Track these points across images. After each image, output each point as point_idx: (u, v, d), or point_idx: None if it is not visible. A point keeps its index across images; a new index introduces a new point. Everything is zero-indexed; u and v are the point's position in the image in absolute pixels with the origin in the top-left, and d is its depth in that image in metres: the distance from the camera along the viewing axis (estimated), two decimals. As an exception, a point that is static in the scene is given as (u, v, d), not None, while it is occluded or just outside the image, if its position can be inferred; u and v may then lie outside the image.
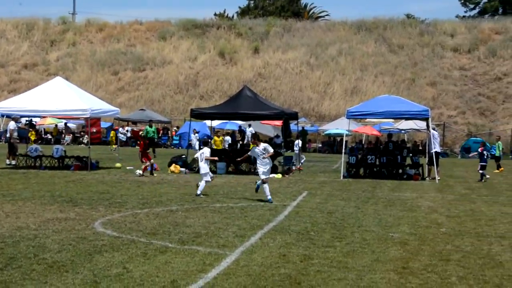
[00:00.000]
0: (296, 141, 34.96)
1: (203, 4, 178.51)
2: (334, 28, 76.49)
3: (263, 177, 18.28)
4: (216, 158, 23.40)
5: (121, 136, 46.18)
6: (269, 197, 18.06)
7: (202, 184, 19.27)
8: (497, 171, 34.26)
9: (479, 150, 29.27)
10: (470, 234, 13.36)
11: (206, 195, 19.18)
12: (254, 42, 74.76)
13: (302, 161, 33.13)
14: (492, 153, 35.22)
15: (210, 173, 19.89)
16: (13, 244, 11.07)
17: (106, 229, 12.93)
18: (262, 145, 18.70)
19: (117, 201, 17.42)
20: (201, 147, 21.79)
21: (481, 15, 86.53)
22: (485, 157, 28.48)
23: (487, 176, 27.86)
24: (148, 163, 26.51)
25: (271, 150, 18.78)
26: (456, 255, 11.11)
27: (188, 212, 15.64)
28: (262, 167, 18.34)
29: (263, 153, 18.36)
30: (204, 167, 19.52)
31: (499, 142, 36.71)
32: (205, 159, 19.58)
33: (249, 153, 19.80)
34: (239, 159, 22.71)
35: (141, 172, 25.96)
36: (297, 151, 33.63)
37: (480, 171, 27.99)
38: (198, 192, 19.11)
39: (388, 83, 65.38)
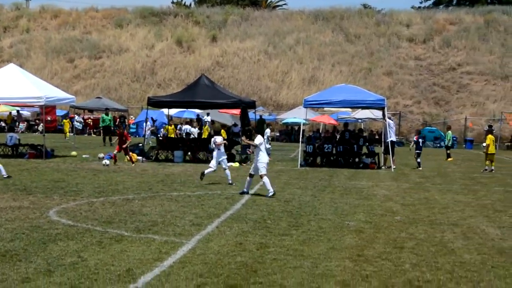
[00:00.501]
0: (266, 130, 34.92)
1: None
2: (292, 17, 76.60)
3: (264, 171, 17.21)
4: (225, 142, 21.64)
5: (76, 124, 45.63)
6: (271, 191, 16.93)
7: (227, 173, 20.10)
8: (449, 159, 34.81)
9: (415, 138, 30.12)
10: (424, 222, 13.56)
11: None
12: (212, 31, 74.46)
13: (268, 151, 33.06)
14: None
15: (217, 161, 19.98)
16: (-35, 234, 10.88)
17: (61, 217, 12.78)
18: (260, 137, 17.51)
19: (72, 190, 17.23)
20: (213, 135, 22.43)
21: (436, 6, 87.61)
22: (420, 145, 29.24)
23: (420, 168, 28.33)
24: (115, 152, 26.29)
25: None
26: (410, 243, 11.27)
27: (145, 201, 15.56)
28: (265, 160, 17.42)
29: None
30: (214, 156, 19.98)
31: (449, 132, 37.15)
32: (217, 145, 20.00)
33: (256, 142, 17.43)
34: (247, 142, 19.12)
35: (107, 162, 25.31)
36: (266, 141, 33.61)
37: (418, 160, 28.73)
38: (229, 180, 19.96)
39: (345, 73, 65.81)
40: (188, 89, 32.03)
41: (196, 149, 30.58)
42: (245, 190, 17.50)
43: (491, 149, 28.38)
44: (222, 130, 34.47)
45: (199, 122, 48.55)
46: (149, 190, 17.74)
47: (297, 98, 59.85)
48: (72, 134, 41.19)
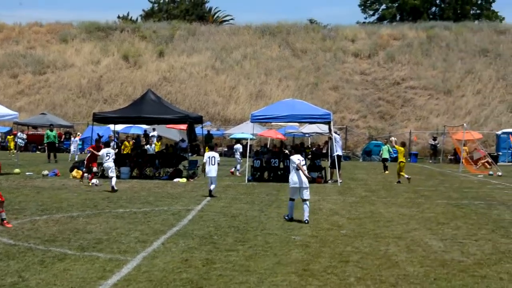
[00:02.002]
0: (236, 146, 34.92)
1: (106, 7, 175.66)
2: (239, 32, 76.88)
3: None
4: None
5: (19, 141, 44.80)
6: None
7: (213, 187, 20.98)
8: (386, 172, 35.38)
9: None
10: (369, 235, 13.69)
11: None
12: (159, 46, 74.15)
13: (238, 166, 33.07)
14: (395, 155, 36.39)
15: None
16: None
17: (1, 237, 12.50)
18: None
19: (14, 208, 16.88)
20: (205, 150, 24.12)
21: (380, 21, 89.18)
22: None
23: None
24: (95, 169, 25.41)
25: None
26: (355, 256, 11.36)
27: (90, 218, 15.33)
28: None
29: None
30: (216, 170, 21.05)
31: (386, 145, 37.90)
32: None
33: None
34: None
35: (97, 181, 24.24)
36: (238, 156, 33.64)
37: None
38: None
39: (292, 87, 66.25)
40: (134, 104, 31.79)
41: (144, 165, 30.33)
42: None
43: (402, 159, 29.04)
44: (126, 142, 33.93)
45: (147, 137, 48.21)
46: (94, 207, 17.50)
47: (244, 113, 59.96)
48: (16, 150, 40.37)
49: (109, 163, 23.01)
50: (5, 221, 13.84)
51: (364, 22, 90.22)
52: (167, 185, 25.26)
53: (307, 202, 15.50)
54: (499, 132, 53.27)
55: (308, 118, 30.62)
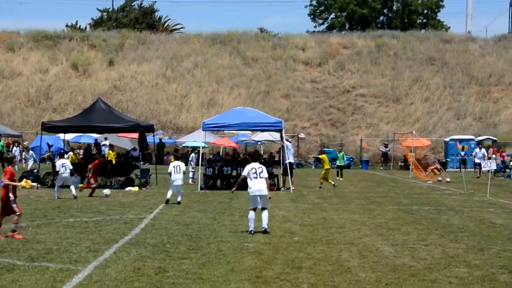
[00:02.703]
0: (192, 155, 34.92)
1: (54, 15, 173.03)
2: (189, 40, 76.72)
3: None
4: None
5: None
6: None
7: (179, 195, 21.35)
8: (341, 179, 35.99)
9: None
10: (322, 242, 13.78)
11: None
12: (109, 54, 73.46)
13: (191, 174, 32.99)
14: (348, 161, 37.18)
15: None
16: None
17: None
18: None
19: (-39, 219, 16.46)
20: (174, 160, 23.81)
21: (329, 30, 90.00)
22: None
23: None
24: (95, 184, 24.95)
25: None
26: (308, 263, 11.42)
27: (39, 228, 15.08)
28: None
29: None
30: (181, 179, 21.52)
31: (341, 153, 39.26)
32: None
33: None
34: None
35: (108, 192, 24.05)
36: (191, 166, 33.54)
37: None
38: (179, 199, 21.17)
39: (243, 95, 66.38)
40: (84, 113, 31.45)
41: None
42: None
43: (327, 166, 30.55)
44: (72, 154, 33.65)
45: (97, 146, 47.63)
46: (44, 217, 17.21)
47: (196, 121, 59.75)
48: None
49: (66, 174, 23.28)
50: (14, 233, 13.58)
51: (314, 31, 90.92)
52: (118, 194, 25.01)
53: (266, 210, 15.21)
54: (447, 139, 54.29)
55: (260, 126, 30.75)
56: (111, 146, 44.33)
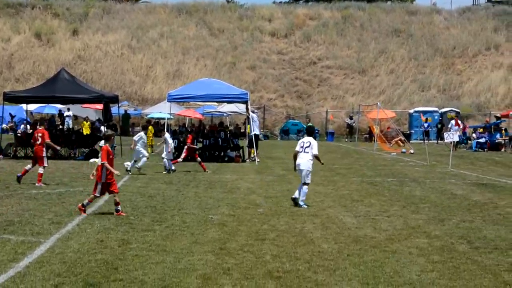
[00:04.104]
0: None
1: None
2: (155, 10, 75.84)
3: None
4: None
5: None
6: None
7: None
8: None
9: None
10: (286, 214, 13.88)
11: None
12: (73, 24, 72.33)
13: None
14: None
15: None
16: None
17: None
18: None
19: None
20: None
21: (296, 1, 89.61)
22: None
23: None
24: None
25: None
26: (271, 234, 11.51)
27: (1, 200, 14.93)
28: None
29: None
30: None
31: (309, 124, 39.37)
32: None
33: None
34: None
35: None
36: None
37: None
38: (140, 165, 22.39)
39: (209, 67, 66.05)
40: (47, 83, 31.04)
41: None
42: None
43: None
44: (150, 127, 33.11)
45: (61, 117, 47.20)
46: (6, 189, 17.05)
47: (162, 92, 59.38)
48: None
49: None
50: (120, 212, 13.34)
51: (280, 2, 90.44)
52: (82, 166, 24.84)
53: (306, 186, 15.05)
54: (412, 111, 54.82)
55: (226, 98, 30.70)
56: (75, 117, 43.94)
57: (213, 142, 29.76)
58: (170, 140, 23.97)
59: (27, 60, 66.92)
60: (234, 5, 79.31)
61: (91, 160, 27.29)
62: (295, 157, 15.32)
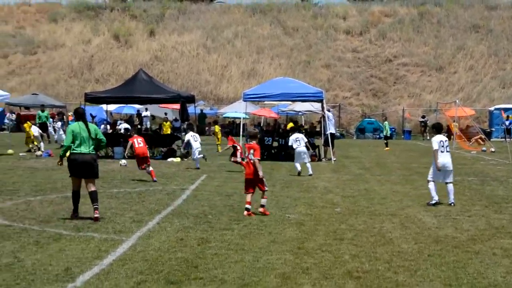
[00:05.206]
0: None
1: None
2: (229, 10, 76.44)
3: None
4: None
5: (6, 121, 44.55)
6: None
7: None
8: (386, 148, 35.88)
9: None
10: (363, 213, 13.74)
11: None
12: (150, 25, 73.69)
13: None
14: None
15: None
16: None
17: (-4, 218, 12.49)
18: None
19: (8, 189, 16.84)
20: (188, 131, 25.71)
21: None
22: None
23: None
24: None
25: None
26: (349, 234, 11.41)
27: (84, 198, 15.25)
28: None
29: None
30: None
31: (385, 122, 38.82)
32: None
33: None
34: None
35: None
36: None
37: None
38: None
39: (284, 66, 66.07)
40: (126, 84, 31.68)
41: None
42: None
43: None
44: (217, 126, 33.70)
45: (140, 117, 48.13)
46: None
47: (237, 91, 59.78)
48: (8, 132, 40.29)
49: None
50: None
51: (354, 0, 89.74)
52: (161, 165, 25.24)
53: (451, 184, 14.98)
54: (492, 108, 53.38)
55: (301, 97, 30.61)
56: (152, 117, 44.69)
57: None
58: (192, 142, 24.17)
59: (106, 61, 68.60)
60: (308, 4, 79.06)
61: (169, 159, 27.71)
62: (435, 154, 14.88)
